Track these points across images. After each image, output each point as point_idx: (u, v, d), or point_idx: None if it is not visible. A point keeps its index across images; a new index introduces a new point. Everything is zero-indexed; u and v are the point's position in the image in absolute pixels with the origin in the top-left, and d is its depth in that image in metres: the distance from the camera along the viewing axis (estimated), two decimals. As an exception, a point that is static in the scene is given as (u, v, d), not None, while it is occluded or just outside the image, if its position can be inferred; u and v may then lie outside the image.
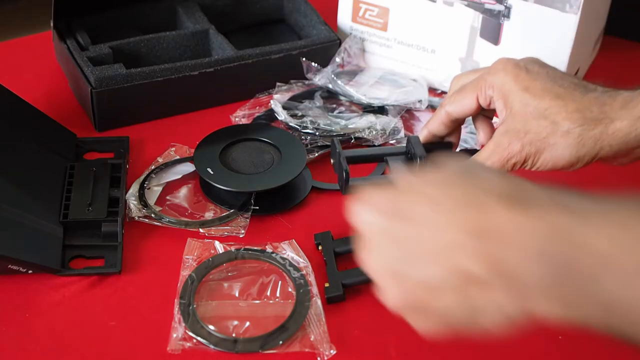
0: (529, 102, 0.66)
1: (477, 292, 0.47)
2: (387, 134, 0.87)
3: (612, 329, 0.45)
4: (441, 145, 0.76)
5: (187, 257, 0.73)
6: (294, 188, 0.82)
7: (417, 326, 0.52)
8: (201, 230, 0.77)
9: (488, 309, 0.48)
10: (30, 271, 0.71)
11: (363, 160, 0.76)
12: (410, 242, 0.49)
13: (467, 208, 0.48)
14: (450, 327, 0.50)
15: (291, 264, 0.72)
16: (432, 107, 0.94)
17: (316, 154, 0.86)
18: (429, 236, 0.49)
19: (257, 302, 0.70)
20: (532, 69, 0.68)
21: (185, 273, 0.71)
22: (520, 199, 0.48)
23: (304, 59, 0.94)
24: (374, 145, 0.87)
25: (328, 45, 0.96)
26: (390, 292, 0.51)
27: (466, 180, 0.50)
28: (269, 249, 0.74)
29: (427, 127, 0.74)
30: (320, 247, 0.74)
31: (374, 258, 0.52)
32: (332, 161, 0.74)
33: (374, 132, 0.87)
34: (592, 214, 0.46)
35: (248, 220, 0.78)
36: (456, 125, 0.73)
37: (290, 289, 0.71)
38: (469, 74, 0.73)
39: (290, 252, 0.74)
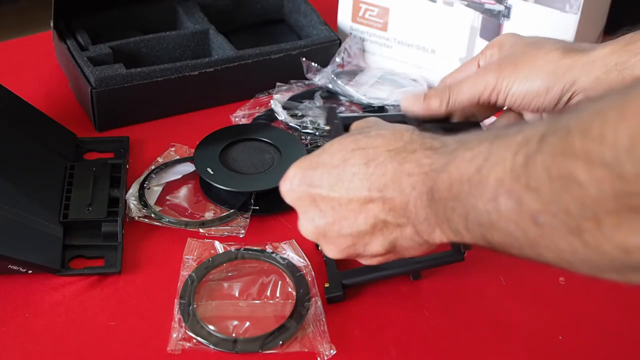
0: (520, 39, 0.69)
1: (390, 231, 0.57)
2: (387, 134, 0.87)
3: (490, 244, 0.50)
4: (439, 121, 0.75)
5: (187, 257, 0.73)
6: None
7: (364, 263, 0.62)
8: (201, 230, 0.77)
9: (403, 242, 0.58)
10: (30, 271, 0.71)
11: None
12: (325, 206, 0.59)
13: (361, 167, 0.57)
14: (384, 259, 0.60)
15: (291, 264, 0.72)
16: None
17: (316, 154, 0.86)
18: (339, 198, 0.58)
19: (257, 302, 0.70)
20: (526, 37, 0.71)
21: (185, 273, 0.71)
22: (403, 150, 0.56)
23: (304, 59, 0.94)
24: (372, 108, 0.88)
25: (328, 45, 0.96)
26: (328, 249, 0.61)
27: (360, 142, 0.59)
28: (269, 249, 0.74)
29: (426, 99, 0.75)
30: (320, 247, 0.74)
31: (303, 225, 0.61)
32: (327, 127, 0.76)
33: (374, 132, 0.87)
34: (455, 151, 0.52)
35: (248, 220, 0.78)
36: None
37: (290, 289, 0.71)
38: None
39: (290, 252, 0.74)
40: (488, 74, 0.67)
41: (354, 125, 0.65)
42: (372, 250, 0.59)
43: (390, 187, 0.56)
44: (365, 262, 0.62)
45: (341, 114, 0.76)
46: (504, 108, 0.70)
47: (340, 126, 0.72)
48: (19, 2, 2.36)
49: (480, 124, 0.72)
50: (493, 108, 0.71)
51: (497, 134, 0.50)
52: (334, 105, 0.87)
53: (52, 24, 0.93)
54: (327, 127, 0.75)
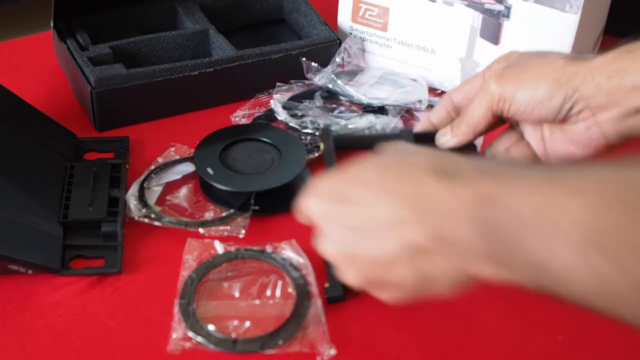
0: (527, 53, 0.68)
1: (424, 260, 0.52)
2: (387, 134, 0.87)
3: (545, 289, 0.48)
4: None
5: (187, 257, 0.73)
6: (294, 188, 0.82)
7: (381, 298, 0.57)
8: (201, 230, 0.77)
9: (436, 275, 0.52)
10: (30, 271, 0.71)
11: (353, 143, 0.77)
12: (355, 224, 0.54)
13: (401, 183, 0.52)
14: (408, 295, 0.55)
15: (291, 264, 0.72)
16: (432, 107, 0.94)
17: (316, 154, 0.86)
18: (371, 216, 0.53)
19: (257, 302, 0.70)
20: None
21: (185, 273, 0.71)
22: (448, 170, 0.52)
23: (304, 59, 0.94)
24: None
25: (328, 45, 0.96)
26: (349, 273, 0.56)
27: (398, 160, 0.55)
28: (268, 249, 0.74)
29: (428, 115, 0.73)
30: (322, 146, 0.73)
31: (326, 243, 0.57)
32: (321, 147, 0.76)
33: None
34: (512, 180, 0.49)
35: (248, 220, 0.78)
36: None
37: (290, 289, 0.71)
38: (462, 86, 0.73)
39: (290, 252, 0.74)
40: (491, 84, 0.66)
41: (386, 147, 0.60)
42: (398, 277, 0.53)
43: (430, 209, 0.51)
44: (385, 295, 0.56)
45: (334, 134, 0.76)
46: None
47: (332, 146, 0.73)
48: (19, 2, 2.36)
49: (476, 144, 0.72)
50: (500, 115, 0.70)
51: (556, 173, 0.48)
52: (329, 124, 0.86)
53: (52, 24, 0.93)
54: (321, 146, 0.74)
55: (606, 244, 0.42)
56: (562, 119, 0.65)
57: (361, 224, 0.54)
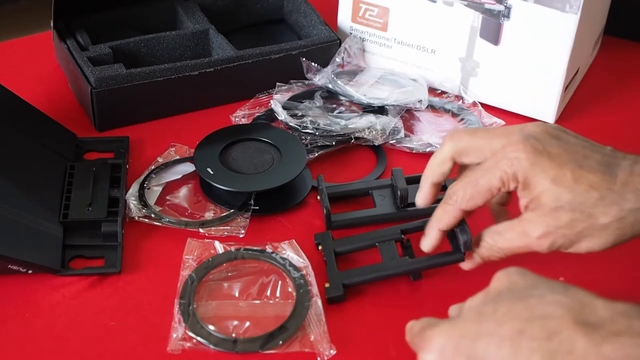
0: (560, 196, 0.61)
1: None
2: (387, 134, 0.87)
3: None
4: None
5: (187, 257, 0.73)
6: (294, 188, 0.82)
7: None
8: (201, 230, 0.77)
9: None
10: (30, 271, 0.71)
11: (347, 195, 0.80)
12: None
13: (544, 344, 0.48)
14: None
15: (291, 264, 0.72)
16: (432, 107, 0.94)
17: (316, 154, 0.86)
18: None
19: (257, 302, 0.70)
20: (552, 150, 0.63)
21: (185, 273, 0.71)
22: (596, 327, 0.47)
23: (304, 59, 0.94)
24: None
25: (328, 45, 0.96)
26: None
27: (536, 309, 0.50)
28: (269, 249, 0.74)
29: (438, 226, 0.69)
30: (320, 247, 0.74)
31: None
32: (318, 197, 0.79)
33: (374, 132, 0.87)
34: None
35: (248, 220, 0.78)
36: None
37: (290, 289, 0.71)
38: (469, 136, 0.67)
39: (290, 252, 0.74)
40: (537, 242, 0.63)
41: (503, 280, 0.55)
42: None
43: None
44: None
45: (327, 185, 0.78)
46: None
47: (325, 198, 0.74)
48: (19, 2, 2.36)
49: None
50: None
51: None
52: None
53: (52, 24, 0.93)
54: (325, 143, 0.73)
55: None
56: None
57: None
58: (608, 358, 0.46)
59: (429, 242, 0.69)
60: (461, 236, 0.68)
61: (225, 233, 0.77)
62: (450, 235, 0.70)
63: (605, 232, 0.61)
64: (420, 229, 0.72)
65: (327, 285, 0.70)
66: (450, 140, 0.68)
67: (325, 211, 0.76)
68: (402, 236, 0.74)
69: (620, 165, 0.62)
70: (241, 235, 0.76)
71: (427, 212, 0.72)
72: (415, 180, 0.79)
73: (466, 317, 0.53)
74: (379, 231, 0.74)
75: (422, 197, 0.71)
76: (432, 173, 0.69)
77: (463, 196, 0.65)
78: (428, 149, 0.87)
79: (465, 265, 0.70)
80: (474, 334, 0.51)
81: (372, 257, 0.73)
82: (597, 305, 0.50)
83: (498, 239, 0.66)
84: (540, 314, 0.50)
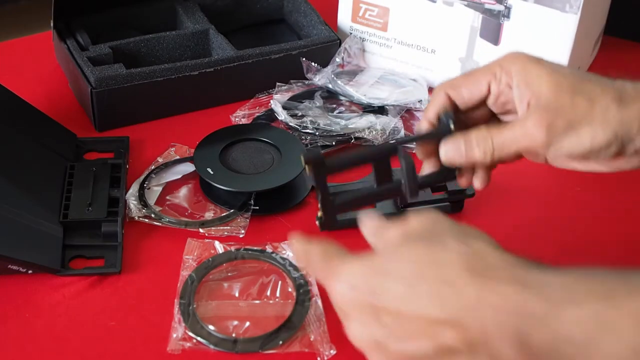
0: (561, 81, 0.61)
1: (456, 358, 0.50)
2: (387, 134, 0.87)
3: None
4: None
5: (187, 257, 0.73)
6: (294, 188, 0.82)
7: None
8: (201, 230, 0.77)
9: None
10: (30, 271, 0.71)
11: (343, 166, 0.75)
12: (389, 321, 0.52)
13: (438, 286, 0.50)
14: None
15: (291, 264, 0.72)
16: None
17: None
18: (407, 315, 0.51)
19: (257, 302, 0.70)
20: (547, 61, 0.63)
21: (185, 273, 0.71)
22: (484, 274, 0.50)
23: (304, 59, 0.94)
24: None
25: (328, 45, 0.96)
26: (375, 358, 0.54)
27: (437, 255, 0.52)
28: (268, 249, 0.74)
29: (425, 116, 0.67)
30: (307, 169, 0.67)
31: (356, 331, 0.54)
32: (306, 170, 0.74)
33: (374, 132, 0.87)
34: (559, 304, 0.47)
35: (248, 220, 0.78)
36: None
37: (290, 289, 0.71)
38: (461, 74, 0.67)
39: (290, 252, 0.74)
40: (534, 129, 0.61)
41: (416, 225, 0.56)
42: None
43: (470, 316, 0.49)
44: None
45: (318, 157, 0.70)
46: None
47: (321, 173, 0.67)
48: (19, 2, 2.36)
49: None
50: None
51: (608, 287, 0.45)
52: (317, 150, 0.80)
53: (52, 24, 0.93)
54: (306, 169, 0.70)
55: None
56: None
57: (396, 322, 0.52)
58: (492, 306, 0.48)
59: (424, 125, 0.67)
60: (443, 116, 0.65)
61: (225, 233, 0.77)
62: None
63: (606, 119, 0.60)
64: (414, 140, 0.69)
65: (319, 214, 0.66)
66: (441, 83, 0.67)
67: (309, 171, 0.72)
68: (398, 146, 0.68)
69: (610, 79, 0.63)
70: (241, 235, 0.77)
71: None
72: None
73: (381, 254, 0.55)
74: (373, 147, 0.70)
75: (421, 125, 0.68)
76: (426, 113, 0.67)
77: (452, 82, 0.65)
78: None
79: (462, 182, 0.67)
80: (383, 271, 0.53)
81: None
82: (488, 254, 0.51)
83: (493, 131, 0.63)
84: (438, 259, 0.52)
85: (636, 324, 0.42)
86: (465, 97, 0.65)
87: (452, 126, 0.65)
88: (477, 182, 0.67)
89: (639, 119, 0.59)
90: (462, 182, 0.68)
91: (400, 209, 0.78)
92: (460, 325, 0.49)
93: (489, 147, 0.63)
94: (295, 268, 0.72)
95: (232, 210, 0.78)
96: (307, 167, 0.65)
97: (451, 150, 0.65)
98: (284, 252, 0.74)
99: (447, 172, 0.67)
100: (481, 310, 0.49)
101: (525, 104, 0.62)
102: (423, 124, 0.67)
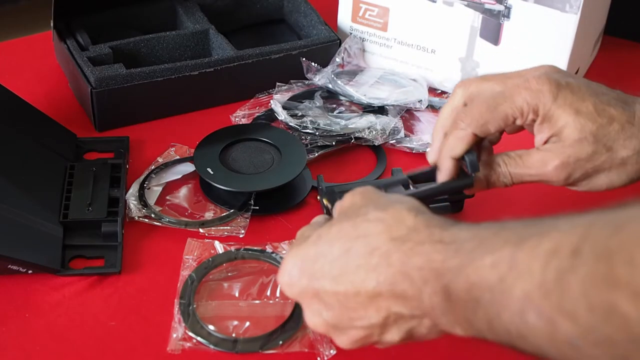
0: (584, 128, 0.62)
1: (409, 322, 0.54)
2: (387, 134, 0.87)
3: (517, 348, 0.47)
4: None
5: (187, 257, 0.73)
6: (294, 188, 0.82)
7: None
8: (201, 230, 0.77)
9: (422, 331, 0.55)
10: (30, 271, 0.71)
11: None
12: (332, 302, 0.55)
13: (366, 259, 0.53)
14: (397, 344, 0.56)
15: (291, 264, 0.72)
16: (432, 107, 0.94)
17: (316, 154, 0.86)
18: (346, 293, 0.54)
19: (257, 302, 0.70)
20: (573, 83, 0.64)
21: (185, 273, 0.71)
22: (406, 239, 0.52)
23: (304, 59, 0.94)
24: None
25: (328, 45, 0.96)
26: (339, 340, 0.57)
27: (360, 228, 0.54)
28: (269, 249, 0.74)
29: (449, 152, 0.67)
30: (325, 202, 0.71)
31: (310, 317, 0.57)
32: (318, 197, 0.76)
33: (374, 132, 0.87)
34: (472, 252, 0.48)
35: (248, 220, 0.78)
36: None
37: (290, 289, 0.71)
38: (481, 81, 0.67)
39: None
40: (553, 173, 0.64)
41: (347, 202, 0.59)
42: (388, 340, 0.56)
43: (400, 281, 0.52)
44: (382, 347, 0.58)
45: (327, 184, 0.75)
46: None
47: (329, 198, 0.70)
48: (19, 2, 2.36)
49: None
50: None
51: (520, 234, 0.47)
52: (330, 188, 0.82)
53: (52, 24, 0.93)
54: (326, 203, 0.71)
55: (576, 310, 0.41)
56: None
57: (340, 302, 0.55)
58: (417, 267, 0.51)
59: (444, 173, 0.67)
60: (467, 156, 0.66)
61: (225, 233, 0.77)
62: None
63: (624, 167, 0.62)
64: (427, 176, 0.70)
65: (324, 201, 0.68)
66: (461, 87, 0.67)
67: (325, 211, 0.76)
68: (409, 181, 0.70)
69: (636, 102, 0.63)
70: (241, 235, 0.76)
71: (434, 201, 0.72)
72: (416, 177, 0.77)
73: (309, 240, 0.57)
74: (386, 179, 0.71)
75: (433, 152, 0.69)
76: (443, 124, 0.67)
77: (478, 119, 0.65)
78: (428, 149, 0.87)
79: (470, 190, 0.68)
80: (312, 256, 0.56)
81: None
82: (405, 217, 0.53)
83: (511, 162, 0.66)
84: (363, 232, 0.54)
85: (543, 263, 0.43)
86: (491, 130, 0.66)
87: (471, 171, 0.67)
88: None
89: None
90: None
91: None
92: (397, 292, 0.52)
93: (508, 180, 0.66)
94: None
95: (232, 210, 0.78)
96: (327, 205, 0.70)
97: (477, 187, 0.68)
98: (284, 252, 0.74)
99: (464, 181, 0.68)
100: (409, 273, 0.51)
101: (545, 136, 0.64)
102: (446, 163, 0.67)
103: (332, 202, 0.68)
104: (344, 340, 0.57)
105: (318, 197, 0.79)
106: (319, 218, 0.65)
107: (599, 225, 0.42)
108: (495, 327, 0.47)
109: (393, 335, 0.55)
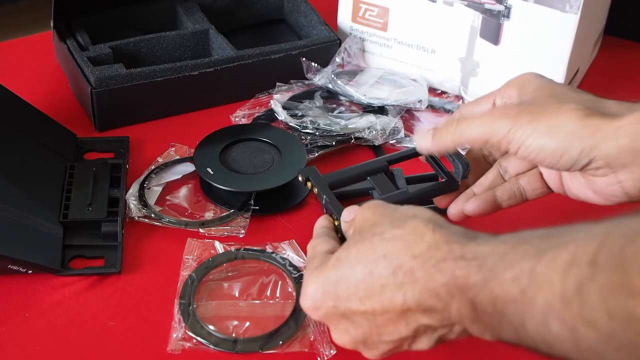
0: (544, 85, 0.64)
1: (437, 331, 0.55)
2: (387, 134, 0.87)
3: (541, 353, 0.49)
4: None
5: (187, 257, 0.73)
6: (294, 188, 0.82)
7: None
8: (201, 230, 0.77)
9: (452, 336, 0.55)
10: (30, 271, 0.71)
11: (347, 195, 0.78)
12: (362, 319, 0.56)
13: (392, 279, 0.54)
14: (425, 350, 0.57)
15: (291, 264, 0.72)
16: (432, 107, 0.94)
17: (316, 154, 0.86)
18: (374, 312, 0.55)
19: (257, 302, 0.70)
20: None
21: (185, 273, 0.71)
22: (427, 256, 0.53)
23: (304, 59, 0.94)
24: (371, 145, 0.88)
25: (328, 45, 0.96)
26: (367, 353, 0.58)
27: (378, 248, 0.55)
28: (269, 249, 0.74)
29: (431, 128, 0.69)
30: (309, 183, 0.71)
31: (338, 336, 0.58)
32: (314, 191, 0.76)
33: (374, 132, 0.87)
34: (493, 268, 0.50)
35: (248, 220, 0.78)
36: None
37: (290, 289, 0.71)
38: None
39: (290, 252, 0.74)
40: (502, 120, 0.61)
41: (359, 222, 0.60)
42: (419, 348, 0.57)
43: (427, 297, 0.53)
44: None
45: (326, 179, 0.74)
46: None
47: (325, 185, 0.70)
48: (19, 2, 2.36)
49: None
50: (505, 152, 0.67)
51: (538, 247, 0.48)
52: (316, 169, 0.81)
53: (52, 24, 0.93)
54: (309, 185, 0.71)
55: (596, 318, 0.43)
56: (578, 169, 0.61)
57: (369, 320, 0.56)
58: (442, 283, 0.52)
59: (418, 140, 0.68)
60: (458, 159, 0.68)
61: (225, 233, 0.77)
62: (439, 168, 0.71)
63: (566, 113, 0.59)
64: (405, 159, 0.73)
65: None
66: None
67: (324, 209, 0.74)
68: (388, 166, 0.72)
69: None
70: (241, 235, 0.76)
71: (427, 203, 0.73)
72: (415, 180, 0.79)
73: (328, 264, 0.58)
74: (366, 164, 0.73)
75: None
76: (457, 136, 0.65)
77: (463, 105, 0.70)
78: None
79: (428, 147, 0.67)
80: (334, 279, 0.56)
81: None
82: (426, 234, 0.54)
83: (452, 127, 0.64)
84: (382, 252, 0.55)
85: (562, 275, 0.45)
86: (471, 114, 0.68)
87: (459, 179, 0.70)
88: (471, 206, 0.69)
89: (604, 131, 0.58)
90: (441, 202, 0.72)
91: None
92: (426, 307, 0.53)
93: (452, 129, 0.64)
94: (295, 268, 0.72)
95: (232, 210, 0.78)
96: (307, 183, 0.70)
97: (421, 137, 0.67)
98: (284, 252, 0.74)
99: (449, 182, 0.71)
100: (435, 289, 0.52)
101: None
102: (441, 141, 0.66)
103: (309, 180, 0.70)
104: (374, 354, 0.58)
105: (314, 191, 0.76)
106: (322, 221, 0.66)
107: (614, 236, 0.44)
108: (521, 336, 0.49)
109: (423, 344, 0.56)
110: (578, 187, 0.64)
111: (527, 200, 0.69)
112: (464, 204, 0.70)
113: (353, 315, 0.56)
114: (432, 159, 0.73)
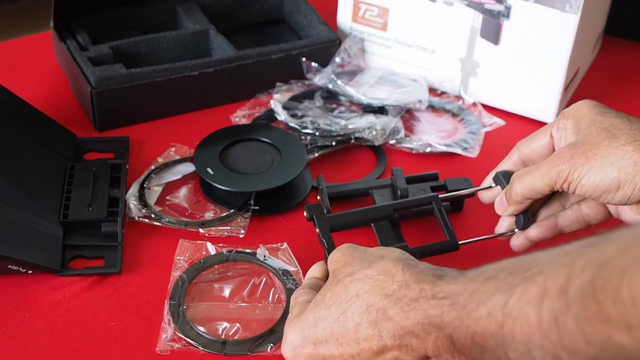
0: (597, 118, 0.65)
1: None
2: (387, 134, 0.87)
3: None
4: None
5: (178, 257, 0.73)
6: (294, 188, 0.82)
7: None
8: (201, 230, 0.77)
9: None
10: (30, 271, 0.71)
11: (347, 195, 0.79)
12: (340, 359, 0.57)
13: (365, 317, 0.55)
14: None
15: (282, 268, 0.72)
16: (432, 107, 0.94)
17: (316, 154, 0.86)
18: (354, 353, 0.56)
19: (247, 304, 0.70)
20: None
21: (176, 274, 0.71)
22: (399, 295, 0.55)
23: (304, 59, 0.94)
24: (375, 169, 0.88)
25: (328, 45, 0.96)
26: None
27: (350, 289, 0.57)
28: (260, 252, 0.74)
29: (498, 166, 0.73)
30: (314, 220, 0.72)
31: None
32: (318, 197, 0.76)
33: (374, 132, 0.87)
34: (466, 306, 0.51)
35: (248, 220, 0.78)
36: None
37: (280, 293, 0.71)
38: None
39: (281, 256, 0.73)
40: (559, 166, 0.64)
41: (331, 265, 0.62)
42: None
43: (402, 335, 0.54)
44: None
45: (327, 185, 0.75)
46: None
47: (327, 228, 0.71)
48: (19, 2, 2.36)
49: None
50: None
51: (508, 282, 0.49)
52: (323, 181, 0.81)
53: (52, 24, 0.93)
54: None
55: (576, 345, 0.44)
56: (634, 203, 0.63)
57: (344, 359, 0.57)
58: (417, 322, 0.53)
59: (486, 182, 0.74)
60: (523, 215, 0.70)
61: (225, 233, 0.77)
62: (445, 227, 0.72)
63: (619, 150, 0.62)
64: (415, 206, 0.73)
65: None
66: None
67: (325, 211, 0.76)
68: (394, 214, 0.73)
69: None
70: (241, 236, 0.76)
71: (425, 210, 0.73)
72: (415, 180, 0.79)
73: (307, 309, 0.60)
74: (372, 209, 0.73)
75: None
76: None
77: (523, 140, 0.71)
78: (428, 149, 0.87)
79: (507, 212, 0.71)
80: (312, 321, 0.58)
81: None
82: (396, 274, 0.56)
83: (525, 176, 0.68)
84: (354, 291, 0.57)
85: (536, 306, 0.46)
86: (531, 149, 0.71)
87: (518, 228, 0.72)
88: (534, 232, 0.71)
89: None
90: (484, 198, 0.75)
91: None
92: (402, 344, 0.54)
93: (523, 199, 0.68)
94: (286, 272, 0.72)
95: (232, 211, 0.78)
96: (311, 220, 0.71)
97: (497, 203, 0.71)
98: (275, 255, 0.73)
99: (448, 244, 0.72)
100: (410, 327, 0.53)
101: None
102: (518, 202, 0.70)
103: (312, 219, 0.71)
104: None
105: (318, 197, 0.79)
106: (313, 271, 0.67)
107: (580, 265, 0.44)
108: None
109: None
110: (630, 214, 0.66)
111: (590, 226, 0.70)
112: (526, 232, 0.71)
113: (332, 358, 0.57)
114: (440, 213, 0.73)
